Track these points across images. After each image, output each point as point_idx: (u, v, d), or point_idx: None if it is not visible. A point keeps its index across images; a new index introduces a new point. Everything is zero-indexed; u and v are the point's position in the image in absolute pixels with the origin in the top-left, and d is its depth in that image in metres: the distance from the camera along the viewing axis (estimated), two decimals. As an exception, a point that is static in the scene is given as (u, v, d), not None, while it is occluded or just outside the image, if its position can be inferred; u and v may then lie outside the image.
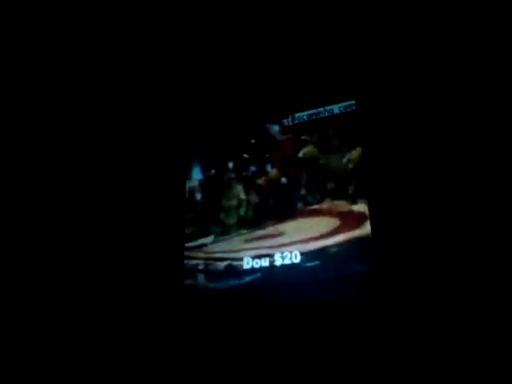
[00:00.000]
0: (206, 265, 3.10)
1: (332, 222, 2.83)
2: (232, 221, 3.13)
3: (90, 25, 2.66)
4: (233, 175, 3.24)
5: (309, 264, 2.81)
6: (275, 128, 3.21)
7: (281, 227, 2.98)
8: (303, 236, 2.89)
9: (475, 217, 2.42)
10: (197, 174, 3.36)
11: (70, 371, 2.85)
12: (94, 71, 3.02)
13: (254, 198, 3.12)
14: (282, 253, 2.92)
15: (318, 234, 2.83)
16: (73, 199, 3.15)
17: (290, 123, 3.19)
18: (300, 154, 3.09)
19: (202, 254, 3.14)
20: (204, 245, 3.16)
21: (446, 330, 2.32)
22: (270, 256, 2.94)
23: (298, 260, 2.86)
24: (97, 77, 3.09)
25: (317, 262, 2.79)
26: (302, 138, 3.10)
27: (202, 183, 3.33)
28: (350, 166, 2.89)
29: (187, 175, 3.35)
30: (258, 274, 2.93)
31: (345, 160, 2.92)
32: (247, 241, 3.04)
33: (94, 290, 3.09)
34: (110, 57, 2.92)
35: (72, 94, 3.12)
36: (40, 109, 3.12)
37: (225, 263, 3.04)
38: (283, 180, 3.09)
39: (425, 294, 2.42)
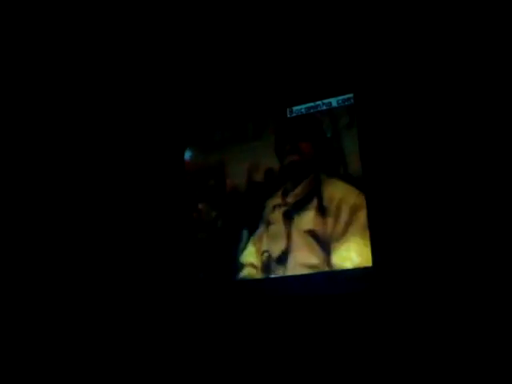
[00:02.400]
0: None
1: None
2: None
3: (83, 16, 2.79)
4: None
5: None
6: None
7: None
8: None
9: (473, 215, 2.37)
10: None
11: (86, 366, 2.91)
12: (85, 62, 3.10)
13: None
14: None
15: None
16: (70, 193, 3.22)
17: (288, 116, 3.13)
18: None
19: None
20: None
21: (444, 323, 2.31)
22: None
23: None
24: (89, 68, 3.15)
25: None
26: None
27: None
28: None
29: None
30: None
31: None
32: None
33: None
34: (102, 45, 3.01)
35: (64, 87, 3.19)
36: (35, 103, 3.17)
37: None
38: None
39: (422, 288, 2.40)
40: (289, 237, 2.71)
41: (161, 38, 3.06)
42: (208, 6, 2.92)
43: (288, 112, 3.14)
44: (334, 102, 2.99)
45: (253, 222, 2.90)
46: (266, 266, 2.78)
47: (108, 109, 3.30)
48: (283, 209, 2.78)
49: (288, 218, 2.76)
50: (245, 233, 2.91)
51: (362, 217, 2.52)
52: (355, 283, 2.50)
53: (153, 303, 3.09)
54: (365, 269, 2.50)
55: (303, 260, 2.65)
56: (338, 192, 2.63)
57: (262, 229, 2.84)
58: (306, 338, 2.55)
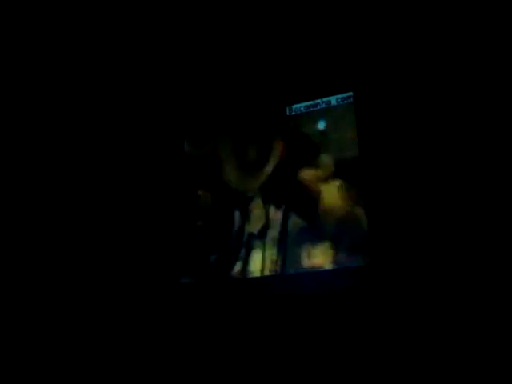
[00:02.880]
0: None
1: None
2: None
3: (82, 15, 2.86)
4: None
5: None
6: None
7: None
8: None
9: (467, 214, 2.37)
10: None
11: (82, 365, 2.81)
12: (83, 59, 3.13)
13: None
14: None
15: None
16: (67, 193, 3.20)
17: (288, 114, 3.09)
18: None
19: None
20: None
21: (440, 320, 2.28)
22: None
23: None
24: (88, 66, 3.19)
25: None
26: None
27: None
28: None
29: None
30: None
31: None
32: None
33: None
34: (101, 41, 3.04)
35: (65, 89, 3.24)
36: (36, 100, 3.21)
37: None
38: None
39: (418, 285, 2.39)
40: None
41: (162, 38, 3.13)
42: (208, 7, 2.97)
43: (288, 110, 3.10)
44: (333, 100, 2.97)
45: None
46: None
47: (112, 110, 3.37)
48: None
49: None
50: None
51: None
52: (347, 281, 2.54)
53: (148, 297, 2.98)
54: (358, 267, 2.53)
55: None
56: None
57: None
58: (299, 337, 2.52)
